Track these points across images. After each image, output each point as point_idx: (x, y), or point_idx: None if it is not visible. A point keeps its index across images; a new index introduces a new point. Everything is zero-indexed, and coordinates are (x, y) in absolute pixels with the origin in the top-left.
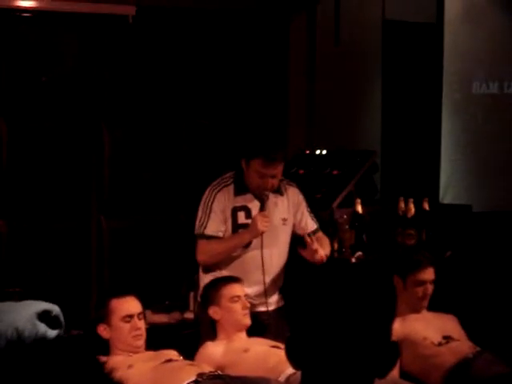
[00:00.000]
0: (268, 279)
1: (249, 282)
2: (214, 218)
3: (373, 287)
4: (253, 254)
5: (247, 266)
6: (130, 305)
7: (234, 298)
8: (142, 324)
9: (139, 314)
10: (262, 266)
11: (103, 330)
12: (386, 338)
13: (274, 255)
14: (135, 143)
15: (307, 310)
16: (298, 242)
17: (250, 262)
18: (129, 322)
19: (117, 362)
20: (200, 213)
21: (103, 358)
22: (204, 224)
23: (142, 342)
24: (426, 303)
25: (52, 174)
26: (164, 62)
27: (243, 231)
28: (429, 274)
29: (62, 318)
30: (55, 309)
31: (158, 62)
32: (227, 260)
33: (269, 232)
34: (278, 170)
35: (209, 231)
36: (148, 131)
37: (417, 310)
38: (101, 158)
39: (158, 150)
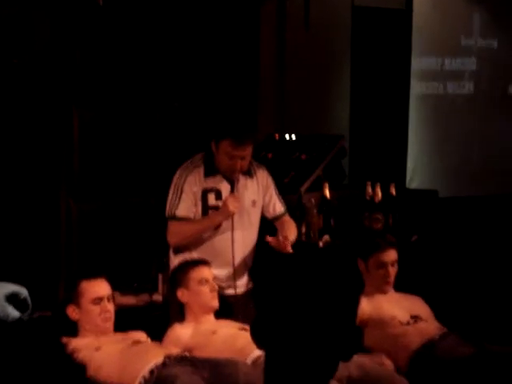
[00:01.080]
0: (237, 261)
1: (219, 263)
2: (185, 199)
3: (339, 271)
4: (223, 236)
5: (217, 247)
6: (100, 287)
7: (202, 281)
8: (111, 306)
9: (109, 296)
10: (232, 247)
11: (72, 312)
12: (350, 322)
13: (244, 237)
14: (105, 126)
15: (273, 292)
16: (266, 228)
17: (221, 244)
18: (98, 304)
19: (84, 343)
20: (171, 195)
21: (71, 339)
22: (175, 206)
23: (110, 324)
24: (390, 284)
25: (21, 156)
26: (134, 45)
27: (214, 213)
28: (389, 255)
29: (29, 301)
30: (23, 292)
31: (129, 44)
32: (197, 242)
33: (239, 214)
34: (248, 151)
35: (180, 213)
36: (118, 114)
37: (383, 291)
38: (70, 140)
39: (128, 133)
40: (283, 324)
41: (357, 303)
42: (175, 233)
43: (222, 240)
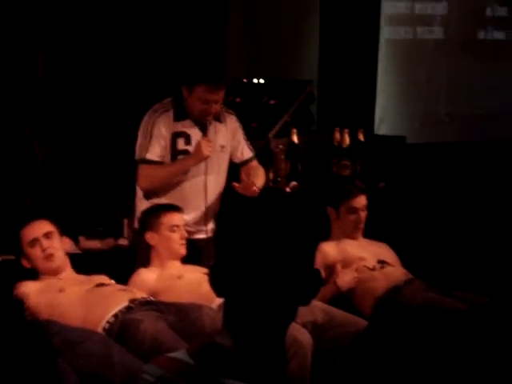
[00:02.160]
0: (209, 205)
1: (189, 208)
2: (155, 143)
3: (305, 216)
4: (196, 180)
5: (189, 191)
6: (33, 229)
7: (173, 228)
8: (49, 243)
9: (45, 234)
10: (205, 191)
11: (24, 261)
12: (309, 265)
13: (215, 181)
14: (70, 66)
15: (234, 237)
16: (232, 175)
17: (192, 188)
18: (35, 245)
19: (47, 285)
20: (140, 138)
21: (30, 282)
22: (145, 149)
23: (56, 263)
24: (360, 231)
25: None
26: None
27: (187, 156)
28: (360, 201)
29: None
30: None
31: None
32: (166, 187)
33: (210, 158)
34: (221, 95)
35: (150, 156)
36: (83, 54)
37: (353, 237)
38: (34, 81)
39: (94, 74)
40: (241, 270)
41: (315, 249)
42: (146, 176)
43: (194, 184)
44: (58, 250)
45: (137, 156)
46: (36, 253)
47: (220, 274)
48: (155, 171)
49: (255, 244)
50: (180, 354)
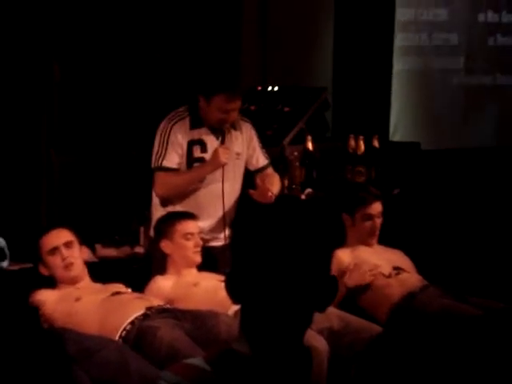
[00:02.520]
0: (225, 213)
1: (205, 215)
2: (171, 150)
3: (320, 223)
4: (213, 187)
5: (205, 199)
6: (54, 237)
7: (188, 236)
8: (70, 253)
9: (66, 243)
10: (222, 199)
11: (42, 268)
12: (325, 272)
13: (231, 188)
14: (87, 76)
15: (250, 244)
16: (248, 182)
17: (209, 196)
18: (55, 254)
19: (64, 294)
20: (156, 145)
21: (48, 291)
22: (162, 156)
23: (75, 272)
24: (375, 238)
25: (2, 107)
26: None
27: (204, 163)
28: (376, 208)
29: (6, 251)
30: (0, 241)
31: None
32: (181, 195)
33: (226, 166)
34: (239, 103)
35: (167, 163)
36: (99, 63)
37: (369, 244)
38: (50, 90)
39: (111, 84)
40: (257, 277)
41: (331, 255)
42: (163, 184)
43: (210, 192)
44: (77, 259)
45: (153, 164)
46: (56, 261)
47: (236, 281)
48: (172, 178)
49: (271, 251)
50: (197, 361)
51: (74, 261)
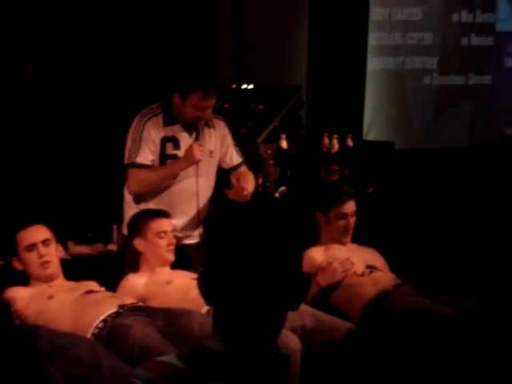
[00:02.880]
0: (199, 210)
1: (178, 213)
2: (145, 146)
3: (293, 221)
4: (187, 185)
5: (179, 196)
6: (32, 234)
7: (161, 234)
8: (47, 251)
9: (44, 241)
10: (197, 195)
11: (16, 263)
12: (297, 270)
13: (205, 186)
14: (58, 72)
15: (222, 243)
16: (221, 181)
17: (183, 193)
18: (33, 250)
19: (36, 291)
20: (130, 142)
21: (20, 289)
22: (135, 153)
23: (51, 270)
24: (349, 236)
25: None
26: None
27: (178, 159)
28: (350, 206)
29: None
30: None
31: None
32: (155, 192)
33: (200, 163)
34: (214, 101)
35: (140, 160)
36: (72, 59)
37: (342, 243)
38: (24, 85)
39: (83, 80)
40: (230, 276)
41: (302, 253)
42: (136, 180)
43: (183, 189)
44: (54, 257)
45: (126, 160)
46: (32, 258)
47: (209, 281)
48: (145, 175)
49: (243, 249)
50: (169, 358)
51: (51, 259)
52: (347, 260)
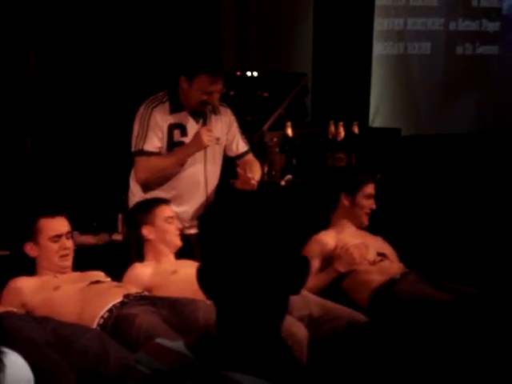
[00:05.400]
0: (207, 198)
1: (187, 200)
2: (152, 134)
3: (299, 209)
4: (194, 171)
5: (187, 183)
6: (59, 224)
7: (169, 219)
8: (69, 244)
9: (67, 233)
10: (205, 183)
11: (30, 249)
12: (296, 253)
13: (212, 174)
14: (62, 61)
15: (222, 233)
16: (229, 171)
17: (191, 180)
18: (57, 241)
19: (43, 282)
20: (137, 129)
21: (28, 279)
22: (142, 140)
23: (68, 263)
24: (368, 217)
25: None
26: None
27: (186, 145)
28: (373, 188)
29: None
30: None
31: None
32: (163, 179)
33: (207, 149)
34: (221, 84)
35: (148, 147)
36: (75, 49)
37: (361, 226)
38: (27, 76)
39: (86, 69)
40: (229, 268)
41: (304, 237)
42: (144, 168)
43: (191, 177)
44: (72, 250)
45: (134, 148)
46: (54, 248)
47: (208, 274)
48: (154, 162)
49: (241, 238)
50: (177, 345)
51: (70, 253)
52: (362, 244)
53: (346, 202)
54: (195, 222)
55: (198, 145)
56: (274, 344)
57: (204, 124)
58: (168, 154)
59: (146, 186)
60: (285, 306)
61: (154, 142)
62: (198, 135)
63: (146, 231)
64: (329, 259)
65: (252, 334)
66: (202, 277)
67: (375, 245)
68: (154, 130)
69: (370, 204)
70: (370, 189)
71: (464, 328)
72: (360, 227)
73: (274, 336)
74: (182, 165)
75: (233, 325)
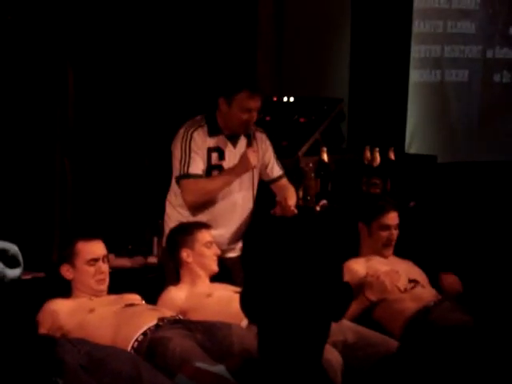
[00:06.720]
0: (241, 223)
1: (222, 225)
2: (195, 157)
3: (334, 234)
4: (230, 196)
5: (223, 208)
6: (96, 248)
7: (208, 244)
8: (106, 268)
9: (104, 257)
10: (240, 208)
11: (66, 271)
12: (338, 280)
13: (247, 198)
14: (101, 84)
15: (263, 257)
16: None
17: (227, 204)
18: (93, 265)
19: (78, 304)
20: (179, 153)
21: (63, 301)
22: (187, 163)
23: (104, 287)
24: (391, 249)
25: (15, 114)
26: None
27: (233, 167)
28: (393, 218)
29: (20, 258)
30: (13, 248)
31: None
32: (210, 202)
33: (243, 175)
34: (260, 102)
35: (194, 170)
36: (115, 72)
37: (384, 255)
38: (65, 98)
39: (124, 92)
40: (272, 293)
41: (342, 264)
42: (192, 191)
43: (227, 200)
44: (107, 274)
45: (178, 172)
46: (91, 272)
47: (250, 297)
48: (202, 185)
49: (284, 263)
50: (219, 370)
51: (106, 277)
52: (392, 271)
53: (363, 231)
54: (232, 246)
55: (246, 166)
56: (314, 370)
57: (249, 144)
58: (216, 176)
59: (185, 210)
60: (326, 332)
61: (199, 165)
62: (244, 156)
63: (185, 254)
64: (359, 287)
65: (294, 359)
66: (245, 300)
67: (406, 270)
68: (196, 153)
69: (387, 235)
70: (387, 219)
71: (502, 359)
72: (384, 257)
73: (315, 362)
74: (229, 186)
75: (275, 349)
